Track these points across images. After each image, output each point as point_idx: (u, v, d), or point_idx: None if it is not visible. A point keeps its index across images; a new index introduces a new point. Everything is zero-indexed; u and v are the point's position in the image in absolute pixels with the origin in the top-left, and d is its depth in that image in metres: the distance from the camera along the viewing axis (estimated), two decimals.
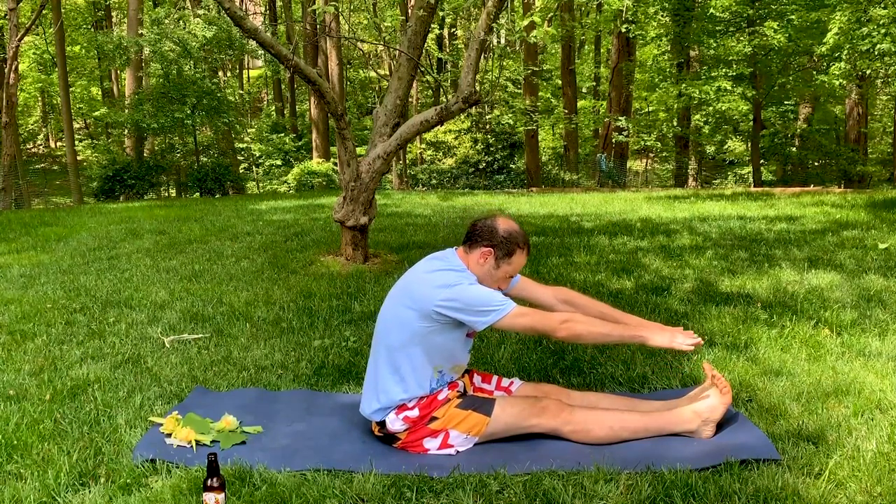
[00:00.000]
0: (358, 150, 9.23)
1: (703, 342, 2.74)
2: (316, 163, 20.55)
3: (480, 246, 2.76)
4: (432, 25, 9.20)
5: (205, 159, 19.10)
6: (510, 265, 2.78)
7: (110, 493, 2.40)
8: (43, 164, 31.19)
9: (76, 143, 24.81)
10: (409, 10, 11.80)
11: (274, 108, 30.18)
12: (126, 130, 18.67)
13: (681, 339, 2.64)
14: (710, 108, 16.55)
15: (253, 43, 15.89)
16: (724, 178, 22.78)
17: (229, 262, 6.28)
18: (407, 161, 22.13)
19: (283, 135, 24.89)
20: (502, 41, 18.03)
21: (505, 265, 2.77)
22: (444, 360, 2.75)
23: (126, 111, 18.01)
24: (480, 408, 2.70)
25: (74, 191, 20.14)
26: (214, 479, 2.18)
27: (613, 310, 2.98)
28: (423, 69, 11.43)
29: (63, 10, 23.27)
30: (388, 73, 25.00)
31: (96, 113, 25.54)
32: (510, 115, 21.02)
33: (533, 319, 2.64)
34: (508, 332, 2.73)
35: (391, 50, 16.89)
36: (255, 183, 23.54)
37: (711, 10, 15.07)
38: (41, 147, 35.26)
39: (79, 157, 24.12)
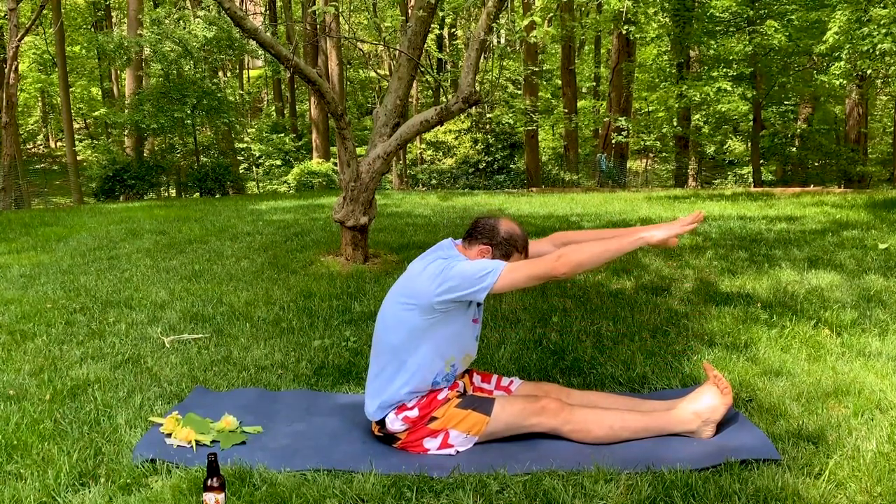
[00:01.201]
0: (358, 150, 9.23)
1: (704, 214, 2.70)
2: (316, 163, 20.55)
3: (479, 243, 2.77)
4: (432, 25, 9.20)
5: (205, 159, 19.09)
6: None
7: (110, 493, 2.40)
8: (43, 164, 31.19)
9: (76, 143, 24.84)
10: (409, 11, 11.80)
11: (274, 108, 30.20)
12: (126, 130, 18.67)
13: (679, 225, 2.62)
14: (710, 109, 16.55)
15: (253, 43, 15.90)
16: (724, 179, 22.77)
17: (229, 262, 6.28)
18: (407, 161, 22.14)
19: (283, 135, 24.89)
20: (502, 41, 18.00)
21: None
22: (456, 351, 2.75)
23: (126, 111, 18.00)
24: (480, 407, 2.70)
25: (74, 191, 20.14)
26: (214, 479, 2.18)
27: (610, 230, 3.00)
28: (423, 69, 11.44)
29: (63, 10, 23.28)
30: (388, 73, 25.01)
31: (96, 113, 25.53)
32: (510, 115, 21.01)
33: (529, 269, 2.61)
34: (512, 290, 2.70)
35: (391, 50, 16.89)
36: (255, 183, 23.53)
37: (711, 11, 15.08)
38: (41, 147, 35.28)
39: (79, 157, 24.13)
